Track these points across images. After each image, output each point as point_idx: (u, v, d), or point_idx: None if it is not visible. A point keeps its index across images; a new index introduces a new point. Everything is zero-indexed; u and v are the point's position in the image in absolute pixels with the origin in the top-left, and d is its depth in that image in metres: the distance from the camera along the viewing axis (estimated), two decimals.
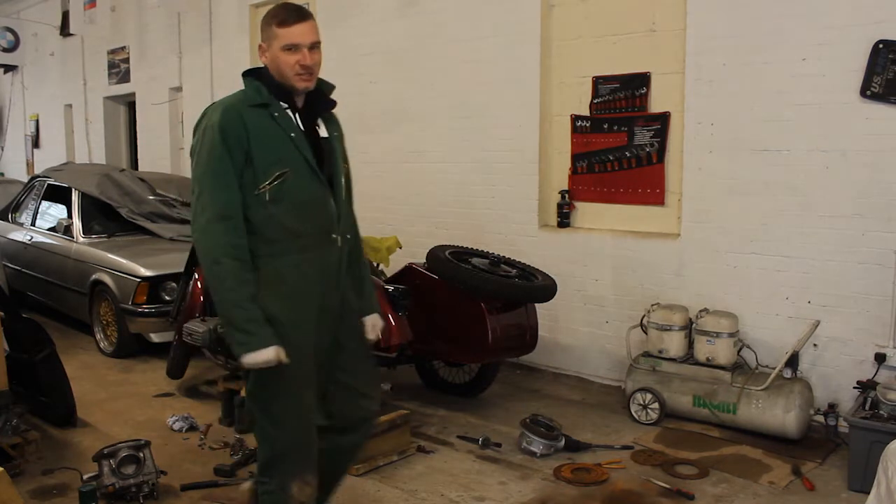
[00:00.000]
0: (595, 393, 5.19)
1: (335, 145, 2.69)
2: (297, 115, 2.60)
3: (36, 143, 13.24)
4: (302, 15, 2.54)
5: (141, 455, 3.50)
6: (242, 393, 4.42)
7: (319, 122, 2.68)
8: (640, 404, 4.58)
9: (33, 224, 7.25)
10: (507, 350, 4.68)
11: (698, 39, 4.81)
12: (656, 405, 4.52)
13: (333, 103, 2.73)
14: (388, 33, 6.71)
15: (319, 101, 2.67)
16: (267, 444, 2.64)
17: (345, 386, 2.76)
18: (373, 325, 2.88)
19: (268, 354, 2.44)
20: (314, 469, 2.67)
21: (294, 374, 2.54)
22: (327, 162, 2.63)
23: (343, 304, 2.73)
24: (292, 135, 2.53)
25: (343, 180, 2.70)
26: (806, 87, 4.39)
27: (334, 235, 2.63)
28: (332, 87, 2.73)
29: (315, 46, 2.55)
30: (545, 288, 4.62)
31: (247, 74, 2.61)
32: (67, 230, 6.67)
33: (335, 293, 2.68)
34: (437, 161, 6.39)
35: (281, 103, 2.56)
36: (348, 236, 2.71)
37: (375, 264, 5.36)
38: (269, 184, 2.48)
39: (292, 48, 2.50)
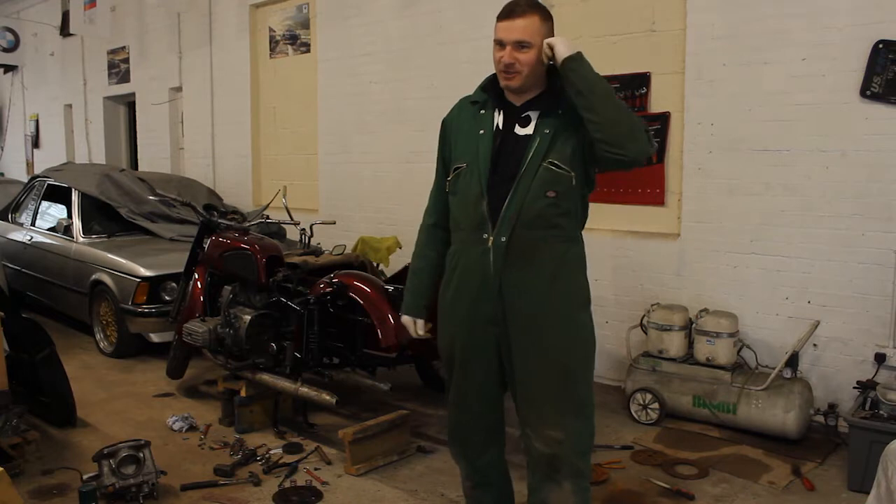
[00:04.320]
0: (595, 393, 5.16)
1: (533, 144, 2.46)
2: (499, 113, 2.54)
3: (36, 143, 13.23)
4: (515, 11, 2.44)
5: (141, 455, 3.50)
6: (242, 393, 4.43)
7: (532, 120, 2.50)
8: (640, 404, 4.58)
9: (33, 224, 7.24)
10: None
11: (698, 39, 4.81)
12: (656, 405, 4.52)
13: (553, 102, 2.49)
14: (388, 33, 6.71)
15: (546, 100, 2.50)
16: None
17: (523, 420, 2.67)
18: None
19: (405, 320, 2.85)
20: (470, 467, 2.84)
21: (450, 356, 2.70)
22: (509, 160, 2.48)
23: (507, 319, 2.53)
24: (481, 132, 2.55)
25: (531, 181, 2.44)
26: (806, 87, 4.39)
27: (486, 236, 2.50)
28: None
29: (522, 46, 2.42)
30: None
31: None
32: (67, 230, 6.66)
33: (484, 299, 2.53)
34: (436, 161, 6.37)
35: (492, 101, 2.55)
36: (503, 239, 2.47)
37: (375, 264, 5.36)
38: (450, 176, 2.65)
39: (499, 44, 2.46)
